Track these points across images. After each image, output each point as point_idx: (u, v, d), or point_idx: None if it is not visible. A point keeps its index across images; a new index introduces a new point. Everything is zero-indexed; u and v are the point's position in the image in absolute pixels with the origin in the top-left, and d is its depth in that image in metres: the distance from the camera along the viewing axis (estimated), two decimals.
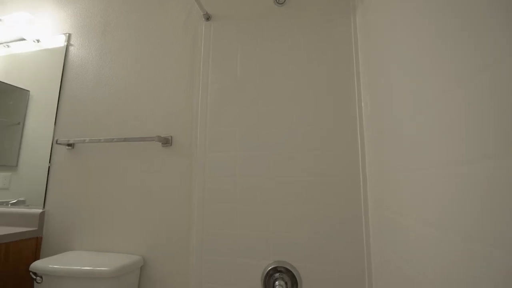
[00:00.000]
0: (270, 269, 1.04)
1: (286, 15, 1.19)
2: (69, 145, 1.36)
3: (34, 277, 1.06)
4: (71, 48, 1.51)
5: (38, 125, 1.55)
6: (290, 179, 1.07)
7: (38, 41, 1.64)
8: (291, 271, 1.03)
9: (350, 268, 0.99)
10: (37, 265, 1.06)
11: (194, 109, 1.22)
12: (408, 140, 0.63)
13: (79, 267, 1.01)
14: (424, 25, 0.53)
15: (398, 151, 0.71)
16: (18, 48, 1.69)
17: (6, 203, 1.48)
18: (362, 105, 1.05)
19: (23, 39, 1.65)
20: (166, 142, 1.21)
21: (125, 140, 1.22)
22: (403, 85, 0.66)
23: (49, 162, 1.40)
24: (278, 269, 1.04)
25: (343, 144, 1.06)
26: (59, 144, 1.32)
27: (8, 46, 1.72)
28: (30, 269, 1.06)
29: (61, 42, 1.57)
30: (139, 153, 1.26)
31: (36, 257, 1.31)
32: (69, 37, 1.54)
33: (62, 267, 1.03)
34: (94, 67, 1.43)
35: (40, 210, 1.33)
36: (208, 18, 1.27)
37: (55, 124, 1.44)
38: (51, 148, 1.42)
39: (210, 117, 1.19)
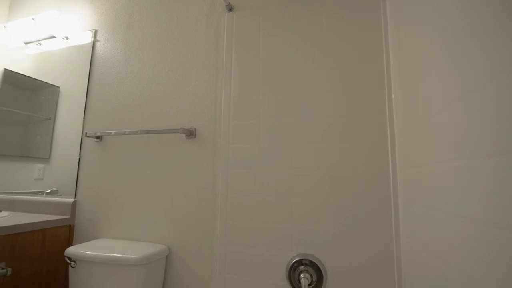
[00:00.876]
0: (295, 261, 1.03)
1: (311, 2, 1.16)
2: (97, 137, 1.41)
3: (69, 261, 1.12)
4: (97, 44, 1.56)
5: (67, 119, 1.62)
6: (315, 171, 1.05)
7: (66, 38, 1.71)
8: (316, 264, 1.01)
9: (377, 262, 0.96)
10: (71, 250, 1.11)
11: (218, 100, 1.22)
12: (437, 133, 0.60)
13: (109, 254, 1.05)
14: (457, 17, 0.50)
15: (427, 144, 0.67)
16: (48, 46, 1.76)
17: (41, 193, 1.57)
18: (393, 96, 1.01)
19: (53, 37, 1.72)
20: (190, 134, 1.22)
21: (149, 132, 1.24)
22: (435, 78, 0.62)
23: (79, 154, 1.46)
24: (303, 261, 1.03)
25: (371, 136, 1.02)
26: (88, 136, 1.37)
27: (40, 44, 1.80)
28: (65, 254, 1.12)
29: (87, 38, 1.62)
30: (163, 145, 1.28)
31: (69, 243, 1.38)
32: (95, 33, 1.59)
33: (94, 253, 1.07)
34: (120, 61, 1.46)
35: (72, 200, 1.40)
36: (230, 9, 1.26)
37: (84, 117, 1.49)
38: (81, 140, 1.48)
39: (234, 109, 1.18)
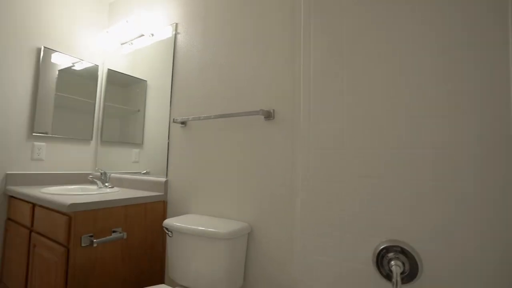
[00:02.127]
0: (383, 248, 0.96)
1: None
2: (182, 123, 1.55)
3: (167, 231, 1.28)
4: (178, 36, 1.69)
5: (155, 109, 1.83)
6: (411, 152, 0.94)
7: (152, 35, 1.90)
8: (409, 252, 0.92)
9: (486, 257, 0.81)
10: (168, 222, 1.27)
11: (297, 80, 1.19)
12: None
13: (200, 228, 1.16)
14: None
15: None
16: (138, 44, 1.99)
17: (139, 173, 1.83)
18: None
19: (142, 35, 1.94)
20: (269, 115, 1.23)
21: (229, 115, 1.30)
22: None
23: (168, 139, 1.64)
24: (393, 248, 0.94)
25: (488, 110, 0.84)
26: (175, 122, 1.52)
27: (131, 44, 2.05)
28: (163, 225, 1.28)
29: (169, 32, 1.77)
30: (243, 127, 1.33)
31: (164, 216, 1.58)
32: (176, 27, 1.72)
33: (186, 226, 1.20)
34: (199, 50, 1.56)
35: (164, 179, 1.59)
36: None
37: (170, 105, 1.66)
38: (169, 127, 1.65)
39: (314, 87, 1.13)
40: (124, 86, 2.12)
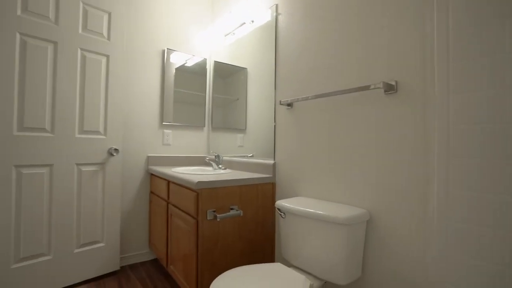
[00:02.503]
0: None
1: None
2: (288, 105, 1.53)
3: (280, 212, 1.30)
4: (279, 18, 1.65)
5: (256, 95, 1.88)
6: None
7: (252, 21, 1.93)
8: None
9: None
10: (281, 204, 1.29)
11: (428, 41, 0.97)
12: None
13: (318, 211, 1.12)
14: None
15: None
16: (239, 33, 2.07)
17: (245, 156, 1.95)
18: None
19: (243, 23, 2.00)
20: (390, 89, 1.06)
21: (340, 93, 1.19)
22: None
23: (274, 122, 1.66)
24: None
25: None
26: (281, 105, 1.51)
27: (233, 34, 2.15)
28: (276, 206, 1.32)
29: (269, 16, 1.75)
30: (357, 104, 1.20)
31: (273, 198, 1.63)
32: (276, 8, 1.69)
33: (302, 208, 1.18)
34: (301, 30, 1.48)
35: (272, 162, 1.63)
36: None
37: (275, 88, 1.66)
38: (274, 109, 1.66)
39: (454, 47, 0.90)
40: (226, 76, 2.27)
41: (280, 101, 1.50)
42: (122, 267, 1.98)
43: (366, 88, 1.09)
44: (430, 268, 0.96)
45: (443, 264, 0.92)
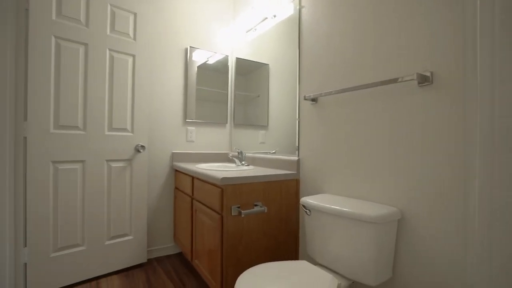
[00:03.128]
0: None
1: None
2: (313, 100, 1.49)
3: (305, 209, 1.28)
4: (303, 10, 1.61)
5: (278, 91, 1.85)
6: None
7: (274, 16, 1.91)
8: None
9: None
10: (306, 200, 1.26)
11: (469, 28, 0.89)
12: None
13: (345, 208, 1.09)
14: None
15: None
16: (261, 29, 2.05)
17: (267, 153, 1.93)
18: None
19: (265, 18, 1.98)
20: (425, 80, 0.99)
21: (368, 86, 1.14)
22: None
23: (298, 117, 1.63)
24: None
25: None
26: (306, 100, 1.47)
27: (255, 30, 2.14)
28: (301, 203, 1.29)
29: (292, 9, 1.72)
30: (386, 97, 1.14)
31: (297, 195, 1.60)
32: (300, 0, 1.65)
33: (329, 205, 1.15)
34: (326, 22, 1.43)
35: (296, 158, 1.60)
36: None
37: (298, 83, 1.63)
38: (298, 105, 1.63)
39: (501, 34, 0.82)
40: (247, 73, 2.27)
41: (305, 96, 1.47)
42: (149, 260, 2.05)
43: (397, 80, 1.03)
44: (469, 271, 0.90)
45: (485, 268, 0.86)
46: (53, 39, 1.60)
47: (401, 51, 1.08)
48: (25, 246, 1.54)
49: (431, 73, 0.98)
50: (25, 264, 1.54)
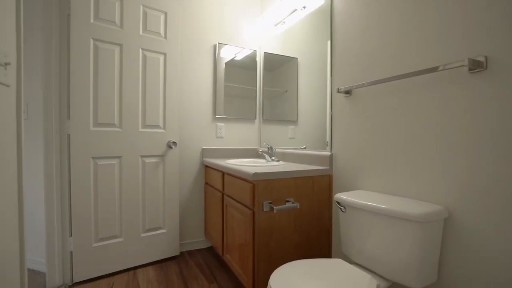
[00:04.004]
0: None
1: None
2: (346, 92, 1.43)
3: (339, 206, 1.23)
4: (335, 1, 1.54)
5: (308, 84, 1.80)
6: None
7: (304, 7, 1.85)
8: None
9: None
10: (341, 197, 1.21)
11: None
12: None
13: (385, 206, 1.02)
14: None
15: None
16: (290, 21, 2.01)
17: (298, 148, 1.89)
18: None
19: (295, 10, 1.93)
20: (477, 66, 0.90)
21: (409, 75, 1.06)
22: None
23: (330, 111, 1.57)
24: None
25: None
26: (339, 92, 1.41)
27: (284, 23, 2.09)
28: (335, 199, 1.25)
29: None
30: (431, 86, 1.05)
31: (330, 190, 1.55)
32: None
33: (367, 202, 1.09)
34: (361, 12, 1.36)
35: (329, 153, 1.55)
36: None
37: (330, 76, 1.57)
38: (330, 98, 1.57)
39: None
40: (274, 68, 2.23)
41: (338, 89, 1.41)
42: (181, 253, 2.11)
43: (441, 68, 0.94)
44: None
45: None
46: (91, 41, 1.68)
47: (449, 35, 0.99)
48: (71, 236, 1.65)
49: (486, 57, 0.89)
50: (71, 252, 1.65)
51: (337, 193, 1.42)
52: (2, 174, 0.78)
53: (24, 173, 0.90)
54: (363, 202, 1.10)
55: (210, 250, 2.20)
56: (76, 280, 1.65)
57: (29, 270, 1.80)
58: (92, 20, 1.68)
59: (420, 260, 0.95)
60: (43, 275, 1.73)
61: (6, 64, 0.79)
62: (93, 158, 1.70)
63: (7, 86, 0.82)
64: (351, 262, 1.40)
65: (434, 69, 0.98)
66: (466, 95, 0.95)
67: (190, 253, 2.12)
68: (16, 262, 0.87)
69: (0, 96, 0.78)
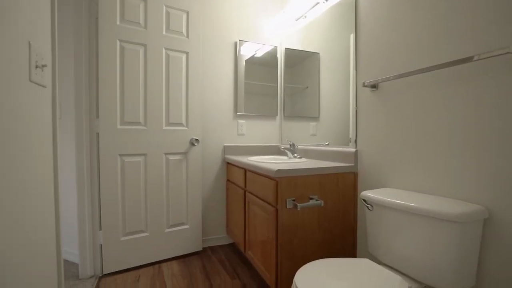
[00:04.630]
0: None
1: None
2: (373, 86, 1.37)
3: (366, 204, 1.19)
4: None
5: (330, 80, 1.74)
6: None
7: (326, 0, 1.80)
8: None
9: None
10: (368, 195, 1.17)
11: None
12: None
13: (417, 205, 0.97)
14: None
15: None
16: (312, 15, 1.96)
17: (321, 145, 1.85)
18: None
19: (317, 3, 1.88)
20: None
21: (445, 66, 0.99)
22: None
23: (355, 106, 1.52)
24: None
25: None
26: (365, 86, 1.36)
27: (305, 17, 2.05)
28: (361, 197, 1.20)
29: None
30: (465, 78, 0.98)
31: (355, 188, 1.50)
32: None
33: (397, 201, 1.04)
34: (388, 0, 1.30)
35: (354, 150, 1.50)
36: None
37: (356, 69, 1.51)
38: (355, 93, 1.52)
39: None
40: (294, 64, 2.20)
41: (364, 83, 1.35)
42: (203, 248, 2.15)
43: (474, 58, 0.87)
44: None
45: None
46: (118, 42, 1.74)
47: (484, 22, 0.92)
48: (100, 229, 1.73)
49: None
50: (101, 245, 1.73)
51: (363, 191, 1.38)
52: (41, 172, 0.83)
53: (59, 170, 0.95)
54: (392, 200, 1.05)
55: (232, 246, 2.21)
56: (105, 271, 1.72)
57: (64, 260, 1.91)
58: (118, 22, 1.74)
59: (457, 262, 0.90)
60: (76, 265, 1.83)
61: (43, 66, 0.83)
62: (120, 155, 1.76)
63: (44, 87, 0.87)
64: (378, 262, 1.35)
65: (465, 60, 0.91)
66: (507, 87, 0.87)
67: (213, 249, 2.15)
68: (53, 252, 0.92)
69: (38, 97, 0.82)
